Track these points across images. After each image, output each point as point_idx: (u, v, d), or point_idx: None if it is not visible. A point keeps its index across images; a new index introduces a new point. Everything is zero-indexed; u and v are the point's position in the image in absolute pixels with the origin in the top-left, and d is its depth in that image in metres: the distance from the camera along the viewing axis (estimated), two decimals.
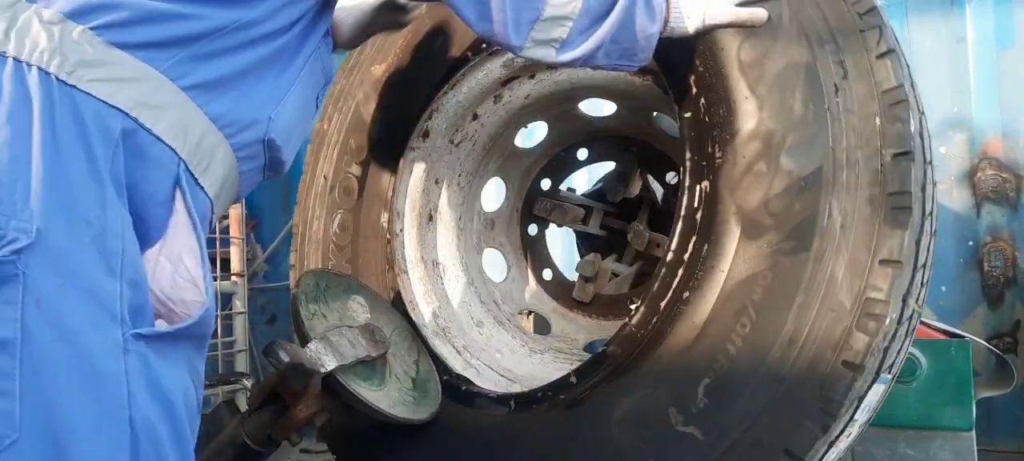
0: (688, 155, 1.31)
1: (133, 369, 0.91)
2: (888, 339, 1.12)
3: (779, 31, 1.22)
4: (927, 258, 1.19)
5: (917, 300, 1.19)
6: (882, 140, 1.13)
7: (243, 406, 1.47)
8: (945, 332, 1.85)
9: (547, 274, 2.00)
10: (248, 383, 1.45)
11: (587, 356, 1.76)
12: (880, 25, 1.17)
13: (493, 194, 2.08)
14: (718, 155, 1.25)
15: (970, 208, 2.36)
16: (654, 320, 1.27)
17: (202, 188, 1.06)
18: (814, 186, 1.15)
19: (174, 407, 0.96)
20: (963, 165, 2.38)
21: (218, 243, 3.07)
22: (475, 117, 1.74)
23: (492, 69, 1.65)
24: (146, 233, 1.00)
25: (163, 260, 1.01)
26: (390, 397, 1.39)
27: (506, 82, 1.69)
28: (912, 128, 1.13)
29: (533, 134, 2.05)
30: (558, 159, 1.98)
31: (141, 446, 0.91)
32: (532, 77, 1.68)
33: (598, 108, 1.84)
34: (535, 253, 2.01)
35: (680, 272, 1.26)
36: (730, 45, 1.26)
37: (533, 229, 2.01)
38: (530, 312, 1.98)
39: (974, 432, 1.71)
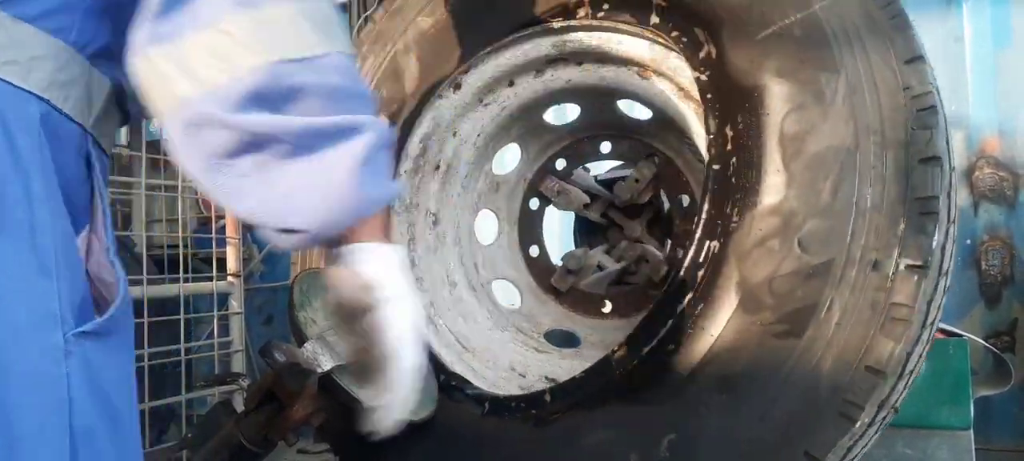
0: (706, 208, 1.26)
1: (75, 371, 0.86)
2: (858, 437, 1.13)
3: (830, 110, 1.17)
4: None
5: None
6: (900, 248, 1.11)
7: (239, 407, 1.46)
8: (943, 331, 1.85)
9: (533, 250, 1.98)
10: (244, 384, 1.44)
11: (545, 344, 1.77)
12: (933, 127, 1.13)
13: (508, 159, 2.06)
14: (735, 219, 1.22)
15: (968, 207, 2.37)
16: (635, 363, 1.26)
17: (104, 154, 1.00)
18: (821, 276, 1.13)
19: (115, 405, 0.91)
20: (960, 164, 2.38)
21: (214, 243, 3.07)
22: (511, 84, 1.71)
23: (542, 45, 1.62)
24: (76, 216, 0.93)
25: (94, 240, 0.96)
26: None
27: (552, 61, 1.66)
28: (935, 242, 1.12)
29: (563, 113, 2.02)
30: (580, 144, 1.96)
31: (81, 454, 0.86)
32: (579, 65, 1.66)
33: (634, 110, 1.82)
34: (529, 227, 2.00)
35: (669, 323, 1.24)
36: (776, 111, 1.22)
37: (534, 203, 1.98)
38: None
39: (972, 431, 1.71)
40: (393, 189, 1.01)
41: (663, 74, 1.50)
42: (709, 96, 1.27)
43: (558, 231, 2.43)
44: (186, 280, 2.90)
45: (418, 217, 1.78)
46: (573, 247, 2.03)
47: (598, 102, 1.80)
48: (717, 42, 1.29)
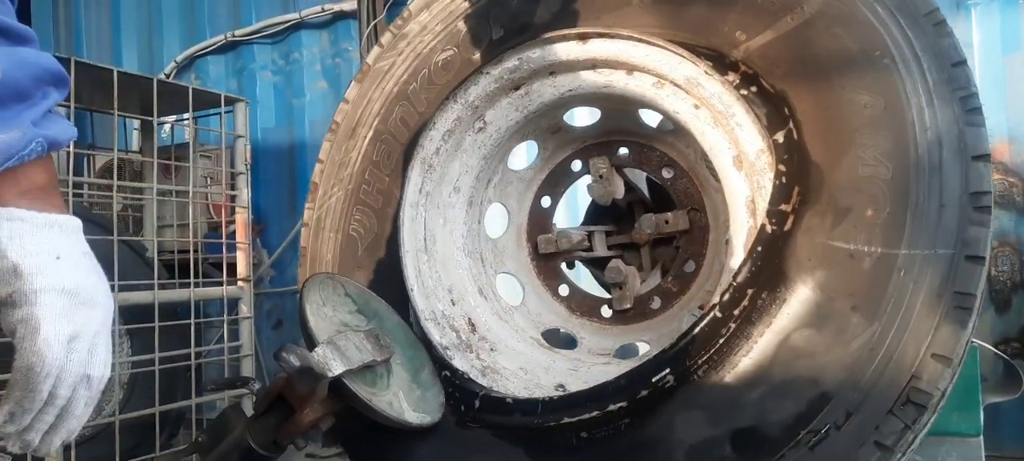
0: (778, 187, 1.30)
1: None
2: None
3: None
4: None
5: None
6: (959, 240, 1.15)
7: (249, 411, 1.47)
8: None
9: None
10: (255, 388, 1.45)
11: (543, 341, 1.76)
12: (982, 126, 1.17)
13: (524, 155, 2.05)
14: (797, 206, 1.25)
15: None
16: (704, 358, 1.28)
17: None
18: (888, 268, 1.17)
19: None
20: None
21: (224, 248, 3.09)
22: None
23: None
24: None
25: None
26: (396, 401, 1.40)
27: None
28: (990, 235, 1.15)
29: (525, 154, 2.03)
30: (553, 176, 1.96)
31: None
32: (517, 89, 1.68)
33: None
34: (538, 224, 1.98)
35: (738, 308, 1.27)
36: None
37: (546, 201, 1.97)
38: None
39: (982, 437, 1.71)
40: (15, 142, 0.78)
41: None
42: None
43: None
44: (196, 285, 2.92)
45: (442, 189, 1.77)
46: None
47: (549, 125, 1.82)
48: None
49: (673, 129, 1.75)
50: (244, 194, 3.12)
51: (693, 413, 1.26)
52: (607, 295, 1.89)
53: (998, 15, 2.35)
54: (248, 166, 3.13)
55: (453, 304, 1.72)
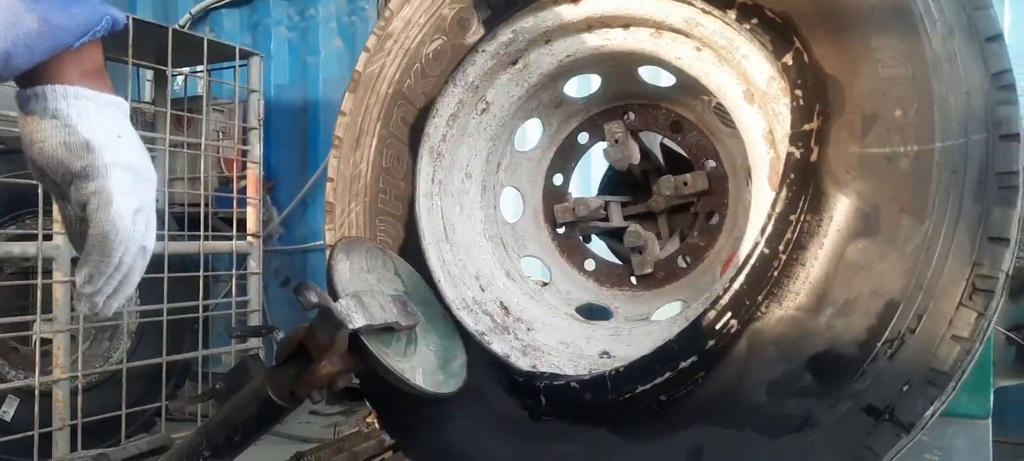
0: (784, 190, 1.28)
1: None
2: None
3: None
4: None
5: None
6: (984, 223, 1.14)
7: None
8: None
9: (561, 227, 1.96)
10: (279, 336, 1.45)
11: (578, 316, 1.76)
12: (1013, 104, 1.16)
13: (530, 135, 2.04)
14: (815, 197, 1.25)
15: None
16: (734, 332, 1.29)
17: None
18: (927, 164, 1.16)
19: None
20: None
21: (235, 203, 3.08)
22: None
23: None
24: None
25: None
26: (417, 368, 1.38)
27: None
28: (1016, 216, 1.14)
29: (528, 136, 2.01)
30: (562, 152, 1.94)
31: None
32: (515, 63, 1.65)
33: (583, 88, 1.79)
34: (553, 202, 1.97)
35: (765, 288, 1.27)
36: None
37: (558, 179, 1.96)
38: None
39: (990, 420, 1.71)
40: (91, 17, 0.83)
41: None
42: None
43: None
44: (206, 238, 2.93)
45: (455, 177, 1.76)
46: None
47: (549, 98, 1.79)
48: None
49: (677, 85, 1.74)
50: (256, 149, 3.11)
51: (766, 350, 1.26)
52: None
53: None
54: (261, 122, 3.12)
55: (482, 290, 1.70)
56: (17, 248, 2.46)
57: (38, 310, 2.42)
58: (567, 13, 1.57)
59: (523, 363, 1.54)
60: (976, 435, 1.72)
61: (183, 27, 3.89)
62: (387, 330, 1.36)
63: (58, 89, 0.82)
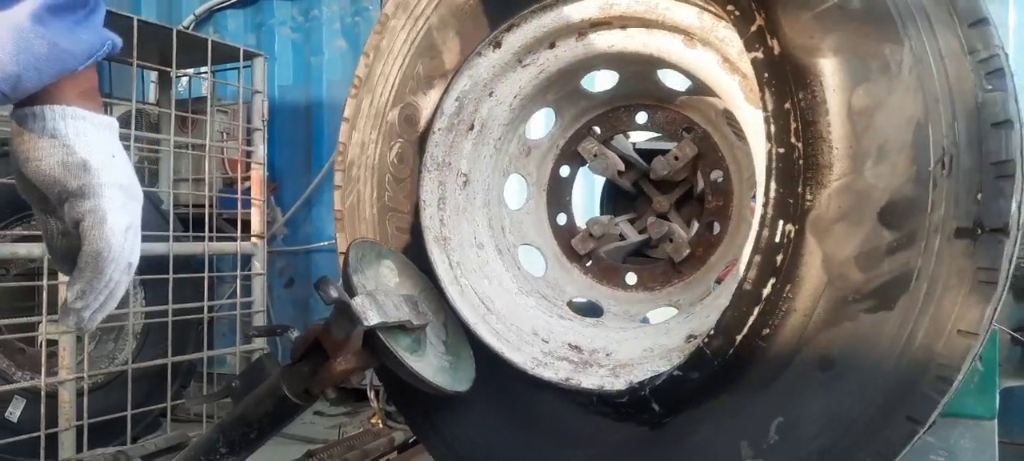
0: (774, 188, 1.26)
1: None
2: None
3: (896, 82, 1.17)
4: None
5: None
6: (983, 215, 1.12)
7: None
8: None
9: (561, 218, 1.98)
10: (293, 335, 1.46)
11: (568, 311, 1.77)
12: (1003, 90, 1.13)
13: (541, 123, 2.05)
14: (809, 199, 1.23)
15: None
16: (731, 350, 1.29)
17: None
18: (906, 248, 1.15)
19: None
20: None
21: (239, 204, 3.09)
22: (552, 46, 1.70)
23: (587, 7, 1.61)
24: None
25: None
26: (430, 365, 1.40)
27: (596, 25, 1.66)
28: (1014, 206, 1.12)
29: (599, 81, 2.01)
30: (616, 113, 1.94)
31: None
32: (623, 29, 1.64)
33: (675, 80, 1.81)
34: (557, 193, 1.99)
35: (758, 308, 1.27)
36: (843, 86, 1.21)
37: (565, 170, 1.98)
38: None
39: (996, 421, 1.72)
40: (95, 42, 0.85)
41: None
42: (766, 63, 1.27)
43: (584, 203, 2.43)
44: (210, 239, 2.93)
45: (449, 175, 1.77)
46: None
47: (637, 70, 1.78)
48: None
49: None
50: (260, 150, 3.11)
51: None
52: (630, 262, 1.90)
53: None
54: (265, 122, 3.12)
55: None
56: (23, 249, 2.47)
57: (44, 311, 2.42)
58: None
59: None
60: (982, 436, 1.74)
61: (187, 28, 3.90)
62: (399, 328, 1.38)
63: (57, 109, 0.84)
